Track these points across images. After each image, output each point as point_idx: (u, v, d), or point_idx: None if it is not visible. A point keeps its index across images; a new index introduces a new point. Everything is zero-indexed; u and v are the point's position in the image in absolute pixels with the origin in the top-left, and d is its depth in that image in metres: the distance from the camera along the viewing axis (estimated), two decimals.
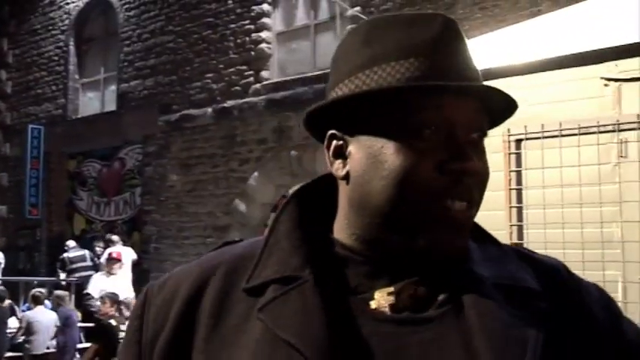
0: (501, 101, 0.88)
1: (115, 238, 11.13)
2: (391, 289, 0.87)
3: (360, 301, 0.86)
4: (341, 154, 0.91)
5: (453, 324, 0.85)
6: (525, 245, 3.03)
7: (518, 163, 3.07)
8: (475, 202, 0.87)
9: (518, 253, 0.98)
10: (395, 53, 0.86)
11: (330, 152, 0.92)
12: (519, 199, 3.07)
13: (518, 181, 3.07)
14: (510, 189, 3.06)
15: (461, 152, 0.84)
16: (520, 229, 3.06)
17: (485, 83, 0.88)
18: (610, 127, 3.00)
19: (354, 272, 0.89)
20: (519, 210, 3.07)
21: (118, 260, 10.14)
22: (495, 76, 3.46)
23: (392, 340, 0.84)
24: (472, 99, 0.86)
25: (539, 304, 0.89)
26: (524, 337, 0.84)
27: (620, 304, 3.07)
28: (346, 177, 0.90)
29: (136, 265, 11.02)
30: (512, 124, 3.13)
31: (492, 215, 3.23)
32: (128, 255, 10.83)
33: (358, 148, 0.88)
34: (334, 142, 0.91)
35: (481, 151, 0.88)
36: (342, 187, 0.92)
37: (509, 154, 3.06)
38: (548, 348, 0.85)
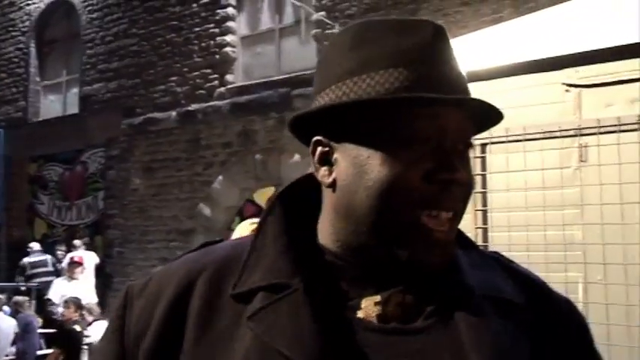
0: (488, 112, 0.88)
1: (77, 242, 11.01)
2: (378, 298, 0.86)
3: (349, 310, 0.86)
4: (327, 160, 0.89)
5: (442, 335, 0.84)
6: (490, 248, 3.09)
7: (484, 167, 3.13)
8: (460, 212, 0.88)
9: (500, 263, 0.98)
10: (385, 61, 0.85)
11: (316, 158, 0.90)
12: (484, 203, 3.13)
13: (484, 185, 3.13)
14: (476, 192, 3.12)
15: (449, 162, 0.84)
16: (485, 231, 3.12)
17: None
18: (571, 132, 3.07)
19: (341, 280, 0.88)
20: (484, 213, 3.13)
21: (80, 264, 10.03)
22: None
23: (382, 350, 0.83)
24: (461, 110, 0.86)
25: (524, 317, 0.90)
26: (515, 352, 0.85)
27: (581, 305, 3.14)
28: (332, 184, 0.89)
29: (98, 270, 10.91)
30: None
31: None
32: (90, 259, 10.71)
33: (344, 155, 0.87)
34: (319, 149, 0.90)
35: (467, 162, 0.88)
36: (328, 193, 0.91)
37: (475, 157, 3.12)
38: None
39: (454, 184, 0.84)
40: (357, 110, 0.85)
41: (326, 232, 0.91)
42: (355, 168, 0.86)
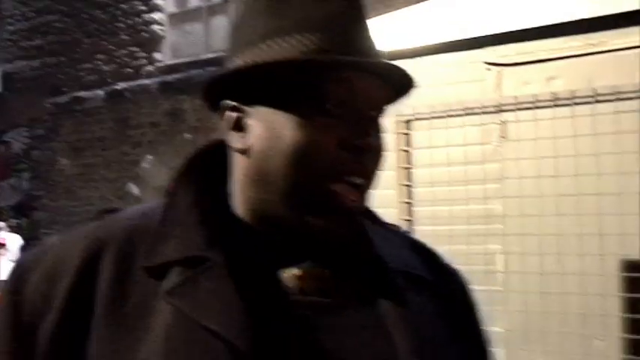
0: (401, 80, 0.87)
1: (0, 224, 10.74)
2: (297, 271, 0.85)
3: (270, 283, 0.84)
4: (239, 125, 0.86)
5: (363, 312, 0.85)
6: (414, 222, 3.19)
7: (408, 143, 3.21)
8: (373, 179, 0.87)
9: (403, 237, 0.99)
10: (300, 25, 0.83)
11: (227, 124, 0.87)
12: (409, 178, 3.21)
13: (408, 161, 3.21)
14: (400, 168, 3.20)
15: (362, 129, 0.83)
16: (410, 206, 3.21)
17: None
18: (492, 109, 3.18)
19: (259, 252, 0.85)
20: (409, 188, 3.21)
21: (2, 245, 9.81)
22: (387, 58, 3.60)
23: (306, 325, 0.82)
24: (374, 76, 0.85)
25: (433, 292, 0.91)
26: (432, 327, 0.88)
27: (501, 275, 3.26)
28: (245, 150, 0.86)
29: (23, 252, 10.68)
30: (402, 105, 3.27)
31: (383, 194, 3.37)
32: (14, 241, 10.47)
33: (258, 120, 0.85)
34: (232, 114, 0.87)
35: (379, 129, 0.87)
36: (240, 159, 0.87)
37: (400, 134, 3.20)
38: (450, 337, 0.89)
39: (367, 150, 0.83)
40: (271, 73, 0.83)
41: (239, 200, 0.88)
42: (269, 133, 0.83)
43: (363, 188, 0.85)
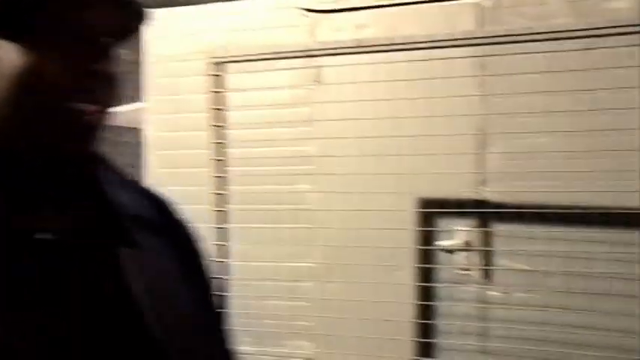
0: (134, 7, 0.85)
1: None
2: (35, 212, 0.81)
3: (3, 220, 0.79)
4: None
5: (98, 251, 0.84)
6: (228, 163, 3.29)
7: (221, 85, 3.26)
8: (107, 106, 0.83)
9: (130, 182, 1.00)
10: None
11: None
12: (221, 120, 3.28)
13: (221, 103, 3.27)
14: (212, 109, 3.26)
15: (93, 53, 0.80)
16: (221, 147, 3.28)
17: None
18: (306, 54, 3.30)
19: None
20: (221, 129, 3.28)
21: None
22: (201, 2, 3.62)
23: (44, 264, 0.79)
24: (105, 1, 0.82)
25: (163, 236, 0.92)
26: (165, 267, 0.89)
27: (309, 213, 3.40)
28: None
29: None
30: (217, 48, 3.32)
31: (195, 135, 3.43)
32: None
33: None
34: None
35: (113, 56, 0.84)
36: None
37: (212, 75, 3.24)
38: (180, 277, 0.92)
39: (100, 76, 0.81)
40: None
41: None
42: None
43: (99, 115, 0.83)
